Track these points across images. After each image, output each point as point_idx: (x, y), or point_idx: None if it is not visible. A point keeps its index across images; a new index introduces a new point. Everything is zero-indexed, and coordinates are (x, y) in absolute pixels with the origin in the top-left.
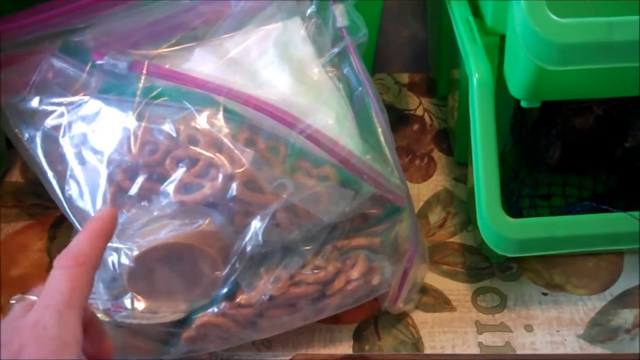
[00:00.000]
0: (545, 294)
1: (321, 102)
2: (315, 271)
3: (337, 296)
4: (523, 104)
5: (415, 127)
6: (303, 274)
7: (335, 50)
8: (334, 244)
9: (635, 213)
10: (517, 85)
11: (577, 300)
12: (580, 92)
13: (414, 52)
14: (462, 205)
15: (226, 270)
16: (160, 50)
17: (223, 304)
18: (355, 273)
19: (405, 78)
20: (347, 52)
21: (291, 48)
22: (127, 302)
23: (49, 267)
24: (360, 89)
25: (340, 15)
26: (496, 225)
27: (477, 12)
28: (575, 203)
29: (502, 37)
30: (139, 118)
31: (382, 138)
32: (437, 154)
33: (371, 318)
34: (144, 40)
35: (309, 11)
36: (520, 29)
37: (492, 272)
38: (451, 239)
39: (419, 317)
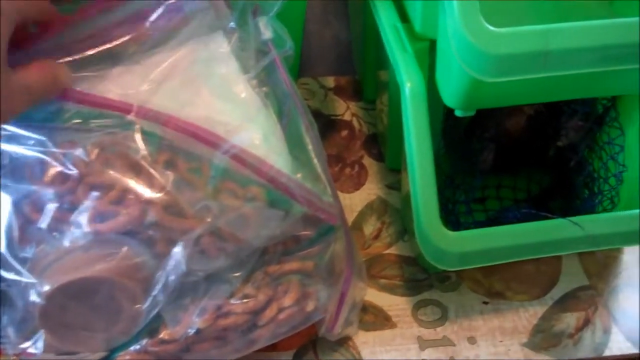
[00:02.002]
0: (486, 303)
1: (247, 119)
2: (245, 300)
3: (270, 326)
4: (457, 113)
5: (344, 133)
6: (231, 303)
7: (261, 64)
8: (265, 270)
9: (575, 218)
10: (451, 95)
11: (519, 306)
12: (516, 99)
13: (338, 54)
14: (396, 214)
15: (147, 304)
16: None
17: (145, 341)
18: (287, 300)
19: (330, 82)
20: (274, 66)
21: (214, 65)
22: (40, 344)
23: None
24: (288, 103)
25: (264, 28)
26: (436, 240)
27: (404, 16)
28: (510, 206)
29: (432, 42)
30: (49, 143)
31: (312, 154)
32: (367, 161)
33: (309, 343)
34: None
35: (230, 25)
36: (454, 40)
37: (431, 284)
38: (388, 251)
39: (359, 337)
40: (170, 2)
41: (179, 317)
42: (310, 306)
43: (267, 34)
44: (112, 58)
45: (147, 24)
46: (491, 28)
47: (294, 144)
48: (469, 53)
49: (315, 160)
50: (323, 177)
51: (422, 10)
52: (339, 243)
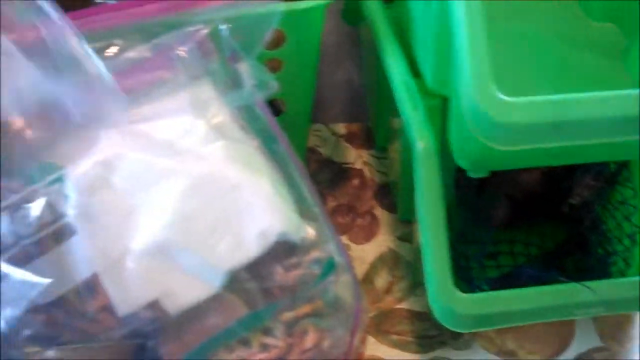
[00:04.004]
0: None
1: (252, 168)
2: (268, 350)
3: None
4: (470, 174)
5: (355, 182)
6: (256, 355)
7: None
8: (280, 319)
9: (590, 283)
10: (463, 156)
11: None
12: (529, 162)
13: (350, 98)
14: (408, 267)
15: None
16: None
17: None
18: (308, 343)
19: (342, 129)
20: (258, 110)
21: (207, 114)
22: None
23: None
24: (275, 147)
25: (246, 74)
26: (447, 302)
27: (416, 71)
28: (524, 264)
29: (444, 99)
30: None
31: (307, 193)
32: (379, 211)
33: None
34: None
35: (213, 69)
36: (466, 108)
37: (443, 341)
38: (399, 305)
39: None
40: (157, 42)
41: None
42: (326, 344)
43: (249, 80)
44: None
45: (139, 75)
46: (504, 97)
47: (287, 182)
48: (481, 121)
49: (310, 201)
50: (321, 218)
51: (434, 67)
52: (343, 277)
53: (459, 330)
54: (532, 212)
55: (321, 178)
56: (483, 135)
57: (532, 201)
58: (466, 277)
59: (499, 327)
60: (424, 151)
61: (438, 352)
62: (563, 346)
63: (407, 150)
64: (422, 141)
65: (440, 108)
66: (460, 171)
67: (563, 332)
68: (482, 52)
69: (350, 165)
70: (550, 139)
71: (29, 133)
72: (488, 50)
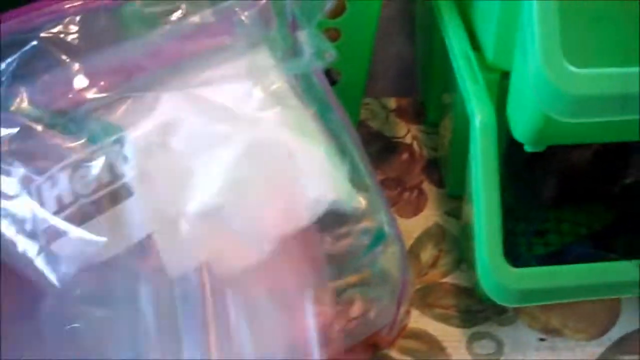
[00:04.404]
0: (542, 340)
1: (307, 136)
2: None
3: (340, 337)
4: (527, 148)
5: (404, 156)
6: (303, 320)
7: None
8: (327, 287)
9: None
10: (522, 130)
11: (575, 346)
12: (589, 137)
13: (400, 72)
14: (454, 242)
15: None
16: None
17: None
18: (355, 311)
19: (392, 103)
20: (313, 79)
21: (265, 81)
22: None
23: None
24: (331, 116)
25: (305, 42)
26: (497, 276)
27: (474, 44)
28: (572, 243)
29: (503, 73)
30: None
31: (360, 163)
32: (427, 186)
33: None
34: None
35: (272, 36)
36: (533, 79)
37: (487, 316)
38: (444, 279)
39: None
40: (221, 8)
41: None
42: (372, 314)
43: (308, 48)
44: (156, 82)
45: (201, 40)
46: (572, 68)
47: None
48: (548, 92)
49: (363, 171)
50: (373, 188)
51: (495, 41)
52: (392, 248)
53: (507, 305)
54: (582, 191)
55: (370, 151)
56: (549, 107)
57: (582, 180)
58: (513, 253)
59: (547, 302)
60: (483, 124)
61: (481, 327)
62: (608, 326)
63: (461, 125)
64: (481, 114)
65: (498, 82)
66: (510, 147)
67: (608, 312)
68: (551, 24)
69: (399, 140)
70: (617, 113)
71: (93, 92)
72: (558, 21)
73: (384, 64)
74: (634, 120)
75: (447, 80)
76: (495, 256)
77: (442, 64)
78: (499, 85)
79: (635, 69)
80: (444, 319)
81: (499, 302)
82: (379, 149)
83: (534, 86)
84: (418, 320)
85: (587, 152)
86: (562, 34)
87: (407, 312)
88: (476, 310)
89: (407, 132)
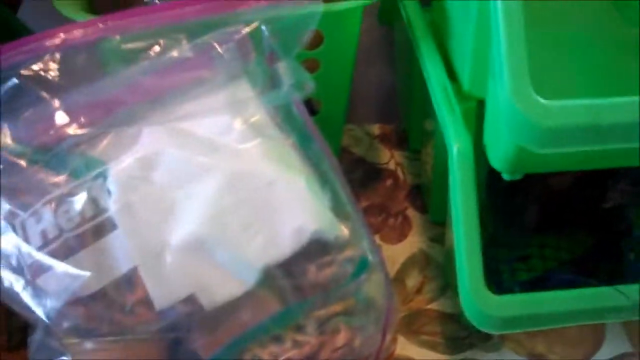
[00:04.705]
0: None
1: (288, 166)
2: (300, 347)
3: None
4: (505, 176)
5: (388, 182)
6: (289, 351)
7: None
8: (312, 316)
9: (622, 287)
10: (499, 159)
11: None
12: (565, 166)
13: (382, 99)
14: (439, 269)
15: None
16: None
17: None
18: (340, 341)
19: (375, 129)
20: (295, 109)
21: (245, 113)
22: None
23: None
24: (312, 147)
25: (284, 74)
26: (479, 303)
27: (451, 74)
28: (554, 268)
29: (480, 102)
30: None
31: (342, 193)
32: (411, 212)
33: None
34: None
35: (250, 69)
36: (503, 110)
37: (472, 343)
38: (429, 306)
39: None
40: (199, 42)
41: None
42: (357, 342)
43: (288, 79)
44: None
45: (180, 74)
46: (541, 100)
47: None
48: (519, 123)
49: (344, 198)
50: (355, 217)
51: (470, 70)
52: (375, 276)
53: (490, 332)
54: (563, 216)
55: (354, 178)
56: (520, 137)
57: (563, 205)
58: (496, 280)
59: (530, 329)
60: (460, 153)
61: (467, 354)
62: (593, 351)
63: (441, 152)
64: (458, 143)
65: (475, 111)
66: (491, 174)
67: (593, 337)
68: (520, 54)
69: (383, 166)
70: (588, 143)
71: (74, 128)
72: (527, 52)
73: (366, 91)
74: (608, 148)
75: (427, 107)
76: (476, 284)
77: (421, 92)
78: (476, 114)
79: (604, 100)
80: (430, 346)
81: (481, 329)
82: (362, 175)
83: (505, 117)
84: (404, 348)
85: (567, 177)
86: (531, 64)
87: (393, 340)
88: (462, 337)
89: (390, 158)
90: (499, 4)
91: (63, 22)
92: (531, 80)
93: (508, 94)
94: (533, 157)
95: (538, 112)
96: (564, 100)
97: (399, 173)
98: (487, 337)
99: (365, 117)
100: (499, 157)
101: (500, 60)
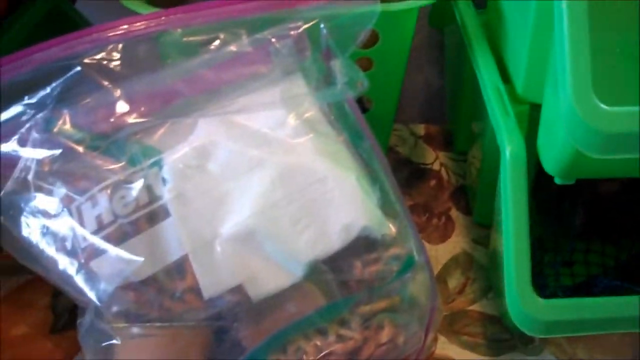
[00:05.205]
0: None
1: (339, 163)
2: (345, 341)
3: None
4: (557, 180)
5: (432, 183)
6: (333, 345)
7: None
8: (356, 312)
9: None
10: (552, 163)
11: None
12: (619, 172)
13: (428, 100)
14: (481, 270)
15: None
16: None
17: None
18: (384, 337)
19: (421, 129)
20: (347, 107)
21: (299, 109)
22: None
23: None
24: (363, 144)
25: (339, 71)
26: (525, 306)
27: (505, 77)
28: (599, 275)
29: (532, 105)
30: None
31: (391, 192)
32: (454, 213)
33: None
34: (136, 111)
35: (306, 65)
36: (564, 115)
37: (513, 345)
38: (471, 307)
39: None
40: (257, 37)
41: None
42: (401, 340)
43: (342, 77)
44: (193, 107)
45: (237, 68)
46: (603, 106)
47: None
48: (579, 129)
49: (394, 198)
50: (403, 215)
51: (526, 74)
52: (420, 275)
53: (534, 335)
54: (610, 222)
55: (399, 177)
56: (579, 142)
57: (610, 211)
58: (540, 284)
59: (574, 334)
60: (513, 156)
61: (508, 356)
62: (634, 358)
63: (490, 154)
64: (511, 146)
65: (527, 114)
66: (540, 177)
67: (634, 344)
68: (584, 59)
69: (427, 166)
70: None
71: (133, 117)
72: (590, 56)
73: (412, 91)
74: None
75: (476, 109)
76: (523, 286)
77: (471, 94)
78: (529, 117)
79: None
80: (471, 347)
81: (526, 332)
82: (407, 175)
83: (565, 122)
84: (445, 347)
85: (615, 184)
86: (594, 70)
87: (435, 339)
88: (503, 339)
89: (435, 159)
90: (564, 4)
91: (119, 14)
92: (593, 86)
93: (570, 99)
94: (588, 162)
95: (599, 118)
96: (625, 107)
97: (444, 174)
98: (528, 340)
99: (412, 117)
100: (553, 161)
101: (563, 64)
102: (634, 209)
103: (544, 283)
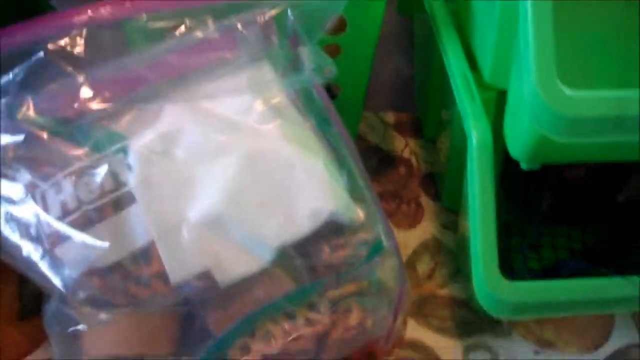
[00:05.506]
0: (537, 353)
1: (306, 148)
2: (313, 325)
3: (336, 346)
4: (523, 165)
5: (402, 170)
6: (301, 328)
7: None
8: (325, 296)
9: (635, 278)
10: (518, 148)
11: (568, 359)
12: (585, 156)
13: (397, 89)
14: (450, 255)
15: None
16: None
17: None
18: (352, 321)
19: (391, 117)
20: (315, 93)
21: (266, 95)
22: None
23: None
24: (330, 131)
25: (306, 58)
26: (492, 288)
27: (473, 64)
28: (566, 258)
29: (499, 92)
30: None
31: (358, 176)
32: (424, 200)
33: None
34: (101, 96)
35: (273, 52)
36: (528, 100)
37: (482, 328)
38: (440, 291)
39: None
40: (224, 23)
41: (248, 345)
42: (369, 323)
43: (309, 64)
44: (158, 93)
45: (204, 54)
46: (567, 91)
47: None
48: (544, 114)
49: (361, 184)
50: (371, 200)
51: (492, 61)
52: (389, 259)
53: (501, 317)
54: (577, 207)
55: (368, 165)
56: (544, 127)
57: (576, 196)
58: (508, 268)
59: (541, 316)
60: (479, 142)
61: (477, 339)
62: (601, 340)
63: (458, 141)
64: (477, 132)
65: (494, 101)
66: (506, 163)
67: (602, 327)
68: (548, 45)
69: (397, 154)
70: (612, 134)
71: (97, 102)
72: (554, 43)
73: (382, 79)
74: (629, 140)
75: (444, 97)
76: (490, 269)
77: (439, 81)
78: (496, 104)
79: (629, 91)
80: (440, 330)
81: (493, 315)
82: (377, 162)
83: (530, 107)
84: (414, 331)
85: (582, 169)
86: (558, 55)
87: (404, 323)
88: (472, 322)
89: (404, 146)
90: None
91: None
92: (557, 72)
93: (534, 84)
94: (553, 147)
95: (563, 103)
96: (589, 91)
97: (413, 161)
98: (497, 323)
99: (381, 105)
100: (518, 146)
101: (527, 50)
102: (600, 193)
103: (511, 267)
